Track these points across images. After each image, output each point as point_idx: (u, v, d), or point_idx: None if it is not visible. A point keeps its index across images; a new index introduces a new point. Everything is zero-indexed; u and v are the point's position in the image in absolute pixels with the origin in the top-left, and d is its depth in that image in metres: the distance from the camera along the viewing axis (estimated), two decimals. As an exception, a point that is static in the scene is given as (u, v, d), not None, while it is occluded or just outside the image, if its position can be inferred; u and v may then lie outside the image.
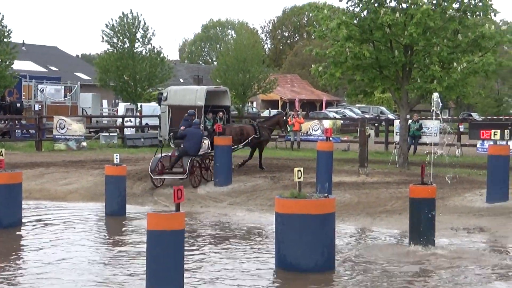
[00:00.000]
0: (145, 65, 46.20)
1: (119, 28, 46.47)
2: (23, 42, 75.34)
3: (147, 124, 43.14)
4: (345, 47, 24.40)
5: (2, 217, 17.25)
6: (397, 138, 30.27)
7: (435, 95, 17.26)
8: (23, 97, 44.13)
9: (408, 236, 15.00)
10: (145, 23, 47.24)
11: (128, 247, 15.45)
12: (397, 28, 24.72)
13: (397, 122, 31.90)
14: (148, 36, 47.19)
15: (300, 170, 12.76)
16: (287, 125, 27.82)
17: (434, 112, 17.24)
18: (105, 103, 63.17)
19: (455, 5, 25.15)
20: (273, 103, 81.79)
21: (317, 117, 50.98)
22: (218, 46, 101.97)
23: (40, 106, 43.74)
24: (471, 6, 24.91)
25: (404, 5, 25.07)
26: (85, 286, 12.06)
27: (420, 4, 24.06)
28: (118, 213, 19.41)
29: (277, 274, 12.81)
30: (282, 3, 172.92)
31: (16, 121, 37.39)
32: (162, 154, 23.17)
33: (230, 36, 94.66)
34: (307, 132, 36.34)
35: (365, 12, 25.18)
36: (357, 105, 71.58)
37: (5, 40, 37.71)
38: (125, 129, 39.66)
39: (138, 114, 45.36)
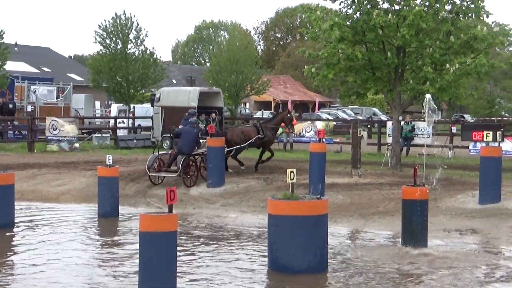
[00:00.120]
0: (138, 66, 46.15)
1: (112, 29, 46.40)
2: (16, 43, 75.16)
3: (139, 125, 43.06)
4: (338, 49, 24.42)
5: (-6, 218, 17.22)
6: (389, 140, 30.29)
7: (428, 97, 17.30)
8: (16, 98, 44.01)
9: (401, 237, 15.04)
10: (138, 24, 47.20)
11: (120, 248, 15.43)
12: (389, 30, 24.74)
13: (389, 124, 31.93)
14: (141, 37, 47.14)
15: (292, 172, 12.77)
16: (293, 123, 27.62)
17: (426, 113, 17.27)
18: (97, 104, 63.08)
19: (448, 7, 25.20)
20: (266, 104, 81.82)
21: (309, 118, 50.92)
22: (211, 47, 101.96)
23: (32, 107, 43.63)
24: (464, 8, 24.96)
25: (397, 7, 25.11)
26: (77, 287, 12.05)
27: (413, 5, 24.10)
28: (110, 214, 19.39)
29: (269, 276, 12.81)
30: (274, 4, 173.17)
31: (9, 122, 37.28)
32: (163, 152, 23.29)
33: (223, 37, 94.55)
34: (299, 133, 36.34)
35: (357, 14, 25.20)
36: (349, 106, 71.72)
37: (-3, 41, 37.66)
38: (117, 130, 39.58)
39: (130, 115, 45.28)
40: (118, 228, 18.19)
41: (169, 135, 33.48)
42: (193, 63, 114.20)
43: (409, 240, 14.62)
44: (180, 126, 24.16)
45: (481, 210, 18.75)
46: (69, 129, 33.87)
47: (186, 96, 34.07)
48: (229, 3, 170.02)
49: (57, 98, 46.72)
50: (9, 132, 36.87)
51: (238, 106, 56.65)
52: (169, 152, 23.84)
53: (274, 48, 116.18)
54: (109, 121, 45.58)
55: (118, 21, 46.52)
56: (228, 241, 16.30)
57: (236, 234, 17.22)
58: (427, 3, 24.87)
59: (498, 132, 19.93)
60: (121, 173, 21.75)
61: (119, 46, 46.30)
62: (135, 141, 36.58)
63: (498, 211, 18.47)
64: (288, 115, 26.48)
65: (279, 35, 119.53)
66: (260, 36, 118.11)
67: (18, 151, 32.64)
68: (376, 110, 70.10)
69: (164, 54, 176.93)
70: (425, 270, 13.19)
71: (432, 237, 15.31)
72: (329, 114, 62.01)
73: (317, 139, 23.51)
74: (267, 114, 62.87)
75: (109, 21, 46.57)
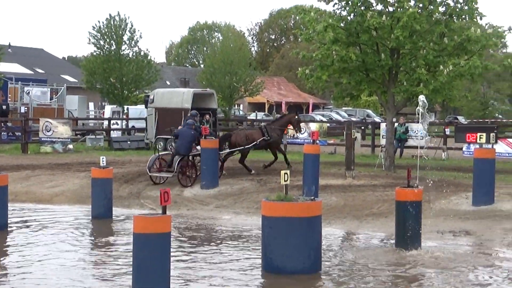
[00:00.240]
0: (132, 67, 46.16)
1: (106, 30, 46.41)
2: (9, 44, 75.10)
3: (133, 126, 43.06)
4: (332, 50, 24.42)
5: (-12, 220, 17.18)
6: (383, 141, 30.30)
7: (421, 98, 17.31)
8: (9, 99, 44.01)
9: (395, 239, 15.05)
10: (132, 26, 47.23)
11: (113, 250, 15.42)
12: (383, 31, 24.76)
13: (383, 125, 31.93)
14: (135, 38, 47.17)
15: (286, 173, 12.77)
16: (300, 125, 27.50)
17: (420, 114, 17.28)
18: (91, 105, 63.08)
19: (441, 9, 25.22)
20: (260, 106, 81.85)
21: (303, 120, 50.92)
22: (205, 48, 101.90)
23: (26, 108, 43.60)
24: (457, 9, 24.97)
25: (391, 8, 25.12)
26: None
27: (407, 7, 24.11)
28: (104, 216, 19.36)
29: (264, 277, 12.81)
30: (269, 6, 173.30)
31: (2, 124, 37.23)
32: (165, 152, 23.59)
33: (216, 39, 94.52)
34: (293, 135, 36.32)
35: (351, 15, 25.19)
36: (343, 108, 71.74)
37: (-9, 42, 37.62)
38: (111, 131, 39.55)
39: (124, 116, 45.26)
40: (111, 230, 18.16)
41: (163, 136, 33.60)
42: (187, 65, 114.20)
43: (403, 242, 14.63)
44: (180, 127, 24.41)
45: (474, 211, 18.78)
46: (62, 130, 33.82)
47: (180, 97, 34.09)
48: (223, 5, 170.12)
49: (50, 100, 46.69)
50: (2, 133, 36.81)
51: (232, 107, 56.66)
52: (171, 152, 24.11)
53: (268, 50, 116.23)
54: (102, 123, 45.53)
55: (112, 22, 46.54)
56: (222, 243, 16.28)
57: (230, 235, 17.21)
58: (421, 5, 24.89)
59: (491, 134, 19.98)
60: (115, 175, 21.73)
61: (113, 47, 46.31)
62: (128, 142, 36.54)
63: (491, 213, 18.50)
64: (296, 117, 26.52)
65: (273, 37, 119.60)
66: (254, 37, 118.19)
67: (12, 152, 32.58)
68: (370, 111, 70.15)
69: (158, 56, 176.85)
70: (419, 272, 13.20)
71: (425, 238, 15.32)
72: (323, 115, 61.96)
73: (311, 140, 23.51)
74: (260, 115, 62.89)
75: (103, 23, 46.61)
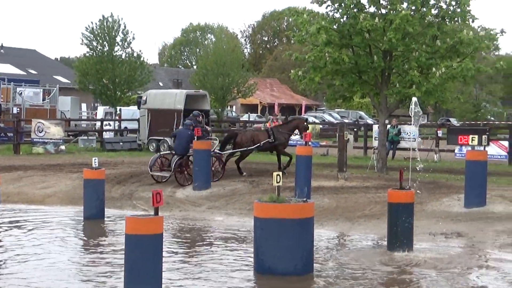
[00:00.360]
0: (125, 68, 46.14)
1: (99, 31, 46.39)
2: (2, 45, 75.01)
3: (126, 127, 43.02)
4: (325, 52, 24.43)
5: (-21, 221, 17.17)
6: (375, 143, 30.35)
7: (414, 100, 17.35)
8: (1, 100, 43.85)
9: (387, 241, 15.07)
10: (125, 27, 47.22)
11: (105, 251, 15.39)
12: (376, 34, 24.79)
13: (375, 127, 31.99)
14: (128, 39, 47.16)
15: (279, 175, 12.77)
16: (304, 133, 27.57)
17: (412, 116, 17.32)
18: (84, 106, 62.94)
19: (434, 11, 25.25)
20: (253, 107, 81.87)
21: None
22: (197, 50, 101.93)
23: (18, 109, 43.49)
24: (450, 12, 25.03)
25: (383, 11, 25.14)
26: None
27: (399, 10, 24.13)
28: (96, 217, 19.32)
29: (256, 278, 12.80)
30: (261, 8, 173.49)
31: (-6, 124, 37.19)
32: (166, 152, 23.90)
33: (209, 40, 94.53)
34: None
35: (344, 17, 25.21)
36: (336, 109, 71.82)
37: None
38: (104, 132, 39.50)
39: (117, 117, 45.20)
40: (103, 231, 18.13)
41: (155, 137, 33.63)
42: (180, 66, 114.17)
43: (395, 243, 14.66)
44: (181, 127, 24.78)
45: (466, 213, 18.81)
46: (55, 131, 33.76)
47: (172, 98, 34.11)
48: (216, 6, 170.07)
49: (43, 100, 46.60)
50: (-6, 134, 36.74)
51: (224, 109, 56.67)
52: (172, 152, 24.39)
53: (261, 51, 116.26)
54: (95, 124, 45.49)
55: (105, 23, 46.52)
56: (214, 244, 16.28)
57: (222, 236, 17.20)
58: (413, 7, 24.93)
59: (483, 136, 19.98)
60: (107, 176, 21.69)
61: (106, 48, 46.29)
62: (121, 143, 36.52)
63: (483, 215, 18.53)
64: (305, 123, 26.57)
65: (266, 38, 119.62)
66: (247, 39, 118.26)
67: (4, 153, 32.52)
68: (362, 113, 70.28)
69: (151, 57, 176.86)
70: (411, 273, 13.22)
71: (417, 240, 15.35)
72: (315, 117, 62.02)
73: (304, 142, 23.52)
74: (253, 117, 62.90)
75: (96, 24, 46.58)
